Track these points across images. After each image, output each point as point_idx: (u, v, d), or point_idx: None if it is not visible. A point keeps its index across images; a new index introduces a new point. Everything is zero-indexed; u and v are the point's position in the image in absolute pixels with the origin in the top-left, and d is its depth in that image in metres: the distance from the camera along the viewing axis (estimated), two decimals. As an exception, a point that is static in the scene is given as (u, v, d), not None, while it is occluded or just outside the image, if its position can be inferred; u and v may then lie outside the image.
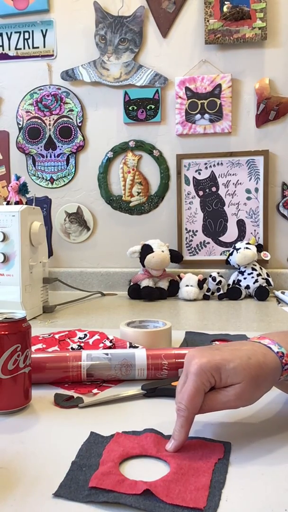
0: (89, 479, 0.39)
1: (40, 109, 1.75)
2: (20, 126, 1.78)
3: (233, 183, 1.65)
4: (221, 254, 1.67)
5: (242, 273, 1.52)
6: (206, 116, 1.63)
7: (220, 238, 1.67)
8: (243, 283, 1.49)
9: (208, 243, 1.68)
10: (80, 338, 0.85)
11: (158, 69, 1.66)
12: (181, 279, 1.49)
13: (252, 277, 1.49)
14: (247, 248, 1.52)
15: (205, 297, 1.47)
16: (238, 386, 0.45)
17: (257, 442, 0.47)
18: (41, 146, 1.77)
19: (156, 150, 1.69)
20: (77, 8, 1.70)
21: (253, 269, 1.51)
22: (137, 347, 0.74)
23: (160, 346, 0.78)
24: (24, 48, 1.75)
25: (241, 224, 1.66)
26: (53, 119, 1.75)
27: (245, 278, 1.50)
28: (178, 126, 1.65)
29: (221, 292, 1.45)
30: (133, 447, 0.45)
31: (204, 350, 0.48)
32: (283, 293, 1.46)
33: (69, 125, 1.74)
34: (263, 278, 1.49)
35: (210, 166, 1.66)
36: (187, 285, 1.46)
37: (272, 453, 0.45)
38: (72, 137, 1.74)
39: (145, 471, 0.42)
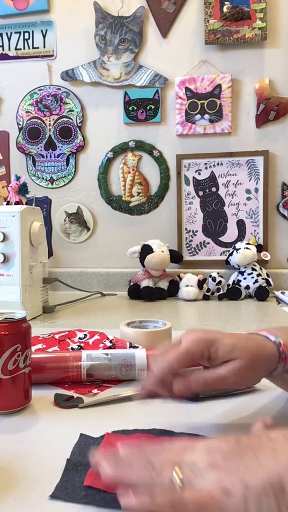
0: (84, 480, 0.39)
1: (40, 109, 1.75)
2: (20, 126, 1.78)
3: (233, 183, 1.65)
4: (221, 254, 1.67)
5: (242, 273, 1.52)
6: (206, 116, 1.63)
7: (220, 238, 1.67)
8: (243, 283, 1.49)
9: (208, 243, 1.68)
10: (80, 338, 0.85)
11: (158, 69, 1.66)
12: (181, 279, 1.49)
13: (252, 277, 1.49)
14: (247, 248, 1.52)
15: (205, 297, 1.47)
16: (236, 361, 0.45)
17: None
18: (41, 146, 1.77)
19: (156, 150, 1.69)
20: (77, 8, 1.70)
21: (253, 269, 1.51)
22: (137, 347, 0.74)
23: (160, 346, 0.78)
24: (24, 48, 1.75)
25: (241, 224, 1.66)
26: (53, 119, 1.75)
27: (245, 278, 1.50)
28: (178, 126, 1.65)
29: (221, 292, 1.45)
30: None
31: (202, 329, 0.49)
32: (283, 293, 1.46)
33: (69, 125, 1.74)
34: (263, 278, 1.49)
35: (210, 166, 1.66)
36: (187, 285, 1.46)
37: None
38: (72, 137, 1.75)
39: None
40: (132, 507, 0.31)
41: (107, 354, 0.66)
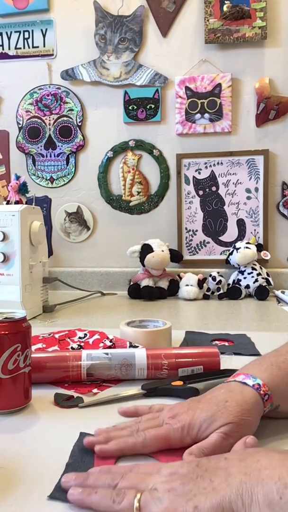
0: None
1: (40, 108, 1.75)
2: (20, 125, 1.78)
3: (233, 183, 1.65)
4: (221, 254, 1.66)
5: (242, 272, 1.52)
6: (206, 115, 1.63)
7: (220, 238, 1.67)
8: (243, 283, 1.49)
9: (208, 242, 1.68)
10: (80, 337, 0.85)
11: (158, 68, 1.66)
12: (181, 278, 1.49)
13: (252, 276, 1.49)
14: (247, 247, 1.52)
15: (205, 297, 1.47)
16: (223, 427, 0.44)
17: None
18: (41, 146, 1.76)
19: (156, 150, 1.69)
20: (77, 8, 1.70)
21: (253, 268, 1.50)
22: (137, 346, 0.74)
23: (160, 346, 0.78)
24: (24, 47, 1.75)
25: (241, 224, 1.66)
26: (53, 119, 1.75)
27: (245, 278, 1.50)
28: (178, 126, 1.65)
29: (221, 291, 1.45)
30: None
31: (184, 408, 0.47)
32: (283, 292, 1.46)
33: (69, 125, 1.74)
34: (263, 278, 1.49)
35: (210, 166, 1.66)
36: (187, 285, 1.46)
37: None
38: (72, 136, 1.74)
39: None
40: None
41: (107, 354, 0.66)
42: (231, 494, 0.32)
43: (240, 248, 1.53)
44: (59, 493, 0.38)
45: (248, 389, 0.47)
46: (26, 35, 1.74)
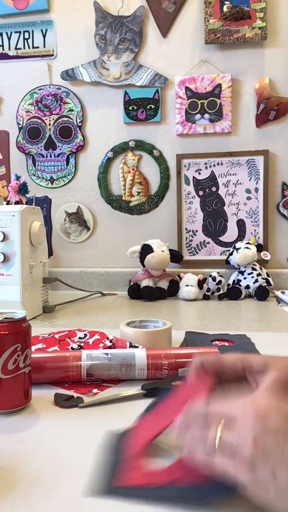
0: (116, 476, 0.40)
1: (40, 109, 1.75)
2: (20, 126, 1.78)
3: (233, 183, 1.65)
4: (221, 254, 1.67)
5: (242, 273, 1.52)
6: (206, 116, 1.63)
7: (220, 238, 1.67)
8: (243, 283, 1.49)
9: (208, 243, 1.68)
10: (80, 338, 0.85)
11: (158, 69, 1.66)
12: (181, 279, 1.49)
13: (252, 277, 1.49)
14: (247, 248, 1.52)
15: (205, 297, 1.47)
16: (273, 372, 0.43)
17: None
18: (41, 146, 1.77)
19: (156, 150, 1.69)
20: (77, 8, 1.70)
21: (253, 269, 1.51)
22: (137, 347, 0.74)
23: (160, 346, 0.78)
24: (24, 48, 1.75)
25: (241, 224, 1.66)
26: (53, 119, 1.75)
27: (245, 278, 1.50)
28: (178, 126, 1.65)
29: (221, 292, 1.45)
30: (157, 425, 0.46)
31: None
32: (283, 293, 1.46)
33: (69, 125, 1.74)
34: (263, 278, 1.49)
35: (210, 166, 1.66)
36: (187, 285, 1.46)
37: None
38: (72, 137, 1.74)
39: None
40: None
41: (107, 354, 0.66)
42: None
43: (240, 248, 1.53)
44: (95, 488, 0.39)
45: None
46: (26, 35, 1.74)
